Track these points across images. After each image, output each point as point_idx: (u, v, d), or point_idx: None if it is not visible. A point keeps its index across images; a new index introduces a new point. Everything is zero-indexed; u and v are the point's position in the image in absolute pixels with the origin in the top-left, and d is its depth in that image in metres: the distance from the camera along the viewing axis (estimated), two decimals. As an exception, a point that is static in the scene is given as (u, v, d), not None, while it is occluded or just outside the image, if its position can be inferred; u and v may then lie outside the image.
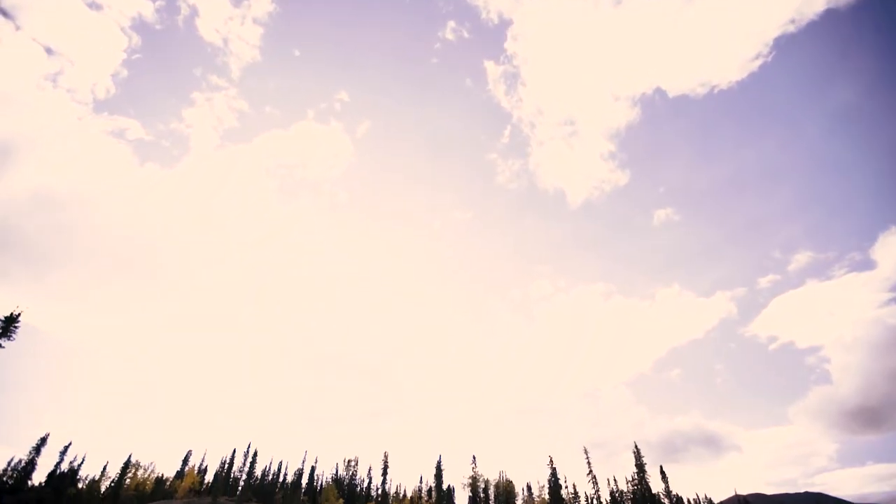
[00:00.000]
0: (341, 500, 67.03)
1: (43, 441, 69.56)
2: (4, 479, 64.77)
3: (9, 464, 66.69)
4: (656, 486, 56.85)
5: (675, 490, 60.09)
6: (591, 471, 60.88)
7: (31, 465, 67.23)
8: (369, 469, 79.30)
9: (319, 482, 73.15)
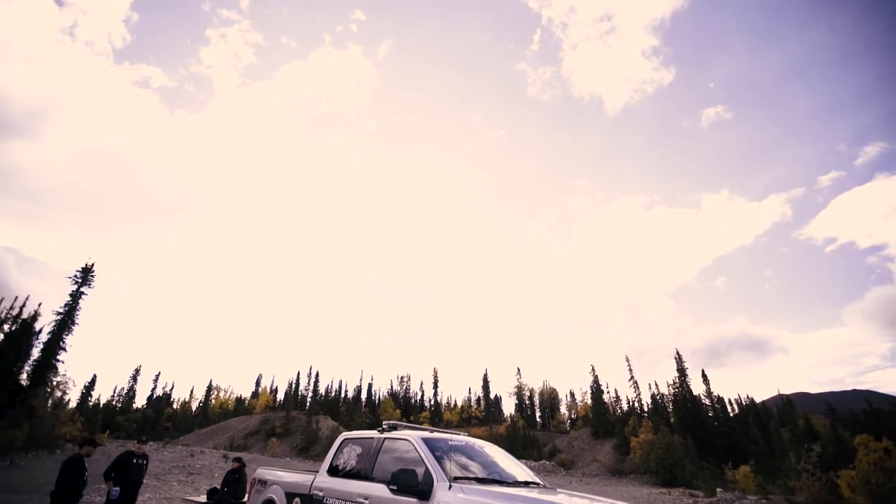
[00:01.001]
0: (398, 411, 73.70)
1: (137, 371, 79.91)
2: (114, 402, 75.73)
3: (114, 390, 77.92)
4: (697, 389, 58.67)
5: (716, 392, 61.88)
6: (632, 377, 63.19)
7: (132, 391, 77.95)
8: (421, 384, 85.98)
9: (377, 397, 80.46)
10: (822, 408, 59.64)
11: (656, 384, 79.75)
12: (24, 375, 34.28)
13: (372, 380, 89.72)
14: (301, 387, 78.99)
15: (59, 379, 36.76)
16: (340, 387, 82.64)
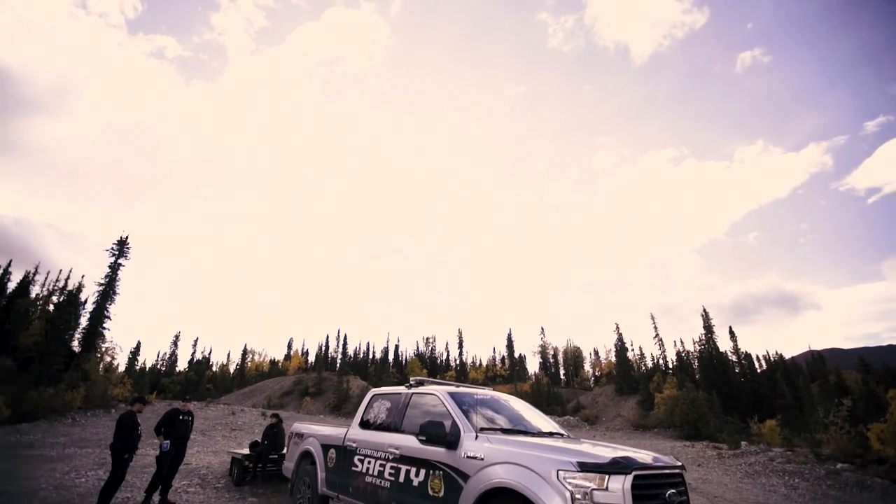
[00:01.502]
0: (424, 371, 75.99)
1: (177, 337, 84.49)
2: (158, 366, 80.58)
3: (158, 355, 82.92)
4: (724, 346, 58.21)
5: (744, 349, 61.27)
6: (657, 334, 63.02)
7: (173, 356, 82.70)
8: (446, 344, 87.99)
9: (403, 357, 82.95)
10: (854, 363, 58.38)
11: (682, 341, 79.38)
12: (76, 342, 36.71)
13: (398, 341, 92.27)
14: (330, 349, 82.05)
15: (106, 345, 39.21)
16: (368, 348, 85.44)
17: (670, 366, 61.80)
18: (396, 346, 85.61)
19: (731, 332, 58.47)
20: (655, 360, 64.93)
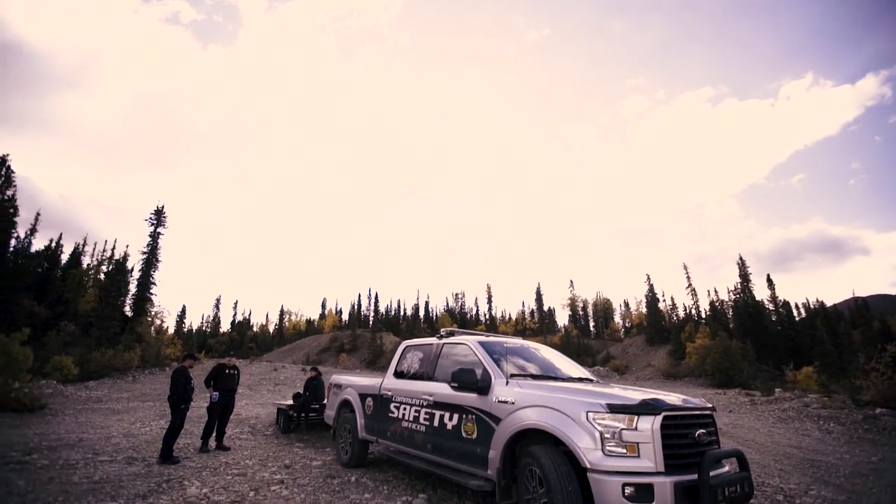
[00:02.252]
0: (454, 326, 77.72)
1: (218, 301, 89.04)
2: (204, 327, 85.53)
3: (202, 318, 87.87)
4: (761, 295, 56.76)
5: (782, 296, 59.51)
6: (689, 284, 61.86)
7: (216, 318, 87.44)
8: (475, 299, 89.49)
9: (434, 313, 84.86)
10: (901, 308, 56.01)
11: (716, 291, 77.71)
12: (127, 308, 39.25)
13: (428, 298, 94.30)
14: (363, 307, 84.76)
15: (155, 309, 41.76)
16: (399, 306, 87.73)
17: (703, 316, 60.98)
18: (426, 303, 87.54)
19: (769, 280, 56.76)
20: (688, 311, 64.13)
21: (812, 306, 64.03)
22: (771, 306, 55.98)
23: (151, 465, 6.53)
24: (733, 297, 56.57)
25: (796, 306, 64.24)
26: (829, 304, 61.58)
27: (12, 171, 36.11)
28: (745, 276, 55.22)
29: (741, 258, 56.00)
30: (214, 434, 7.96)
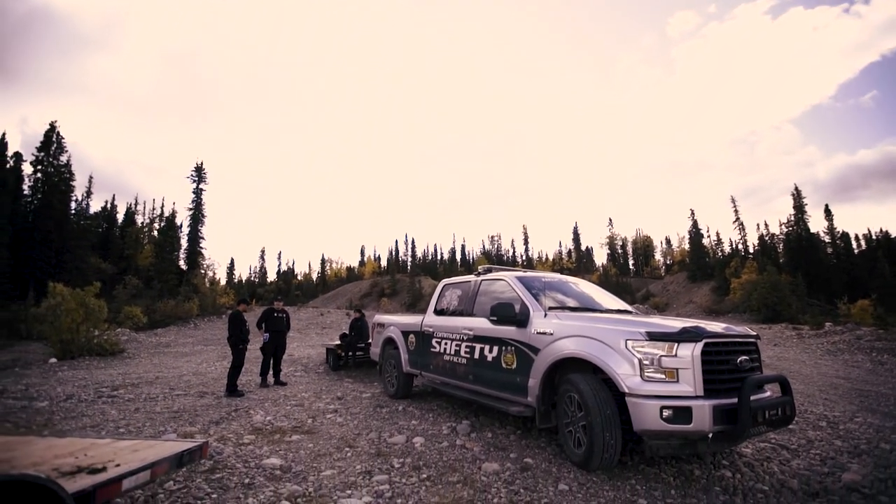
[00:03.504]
0: (491, 269, 78.44)
1: (263, 252, 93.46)
2: (252, 278, 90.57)
3: (250, 268, 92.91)
4: (817, 227, 53.43)
5: (840, 228, 55.89)
6: (737, 218, 58.94)
7: (263, 268, 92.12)
8: (511, 241, 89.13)
9: (470, 257, 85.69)
10: (978, 236, 51.51)
11: (766, 224, 73.82)
12: (182, 262, 41.85)
13: (464, 241, 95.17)
14: (400, 253, 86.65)
15: (206, 262, 44.36)
16: (436, 250, 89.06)
17: (751, 251, 58.47)
18: (462, 246, 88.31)
19: (827, 211, 53.18)
20: (734, 246, 61.62)
21: (875, 237, 59.87)
22: (827, 238, 52.83)
23: (220, 398, 7.23)
24: (786, 229, 53.62)
25: (856, 237, 60.32)
26: (894, 234, 57.20)
27: (62, 137, 37.85)
28: (799, 208, 51.91)
29: (797, 188, 52.39)
30: (271, 371, 8.65)
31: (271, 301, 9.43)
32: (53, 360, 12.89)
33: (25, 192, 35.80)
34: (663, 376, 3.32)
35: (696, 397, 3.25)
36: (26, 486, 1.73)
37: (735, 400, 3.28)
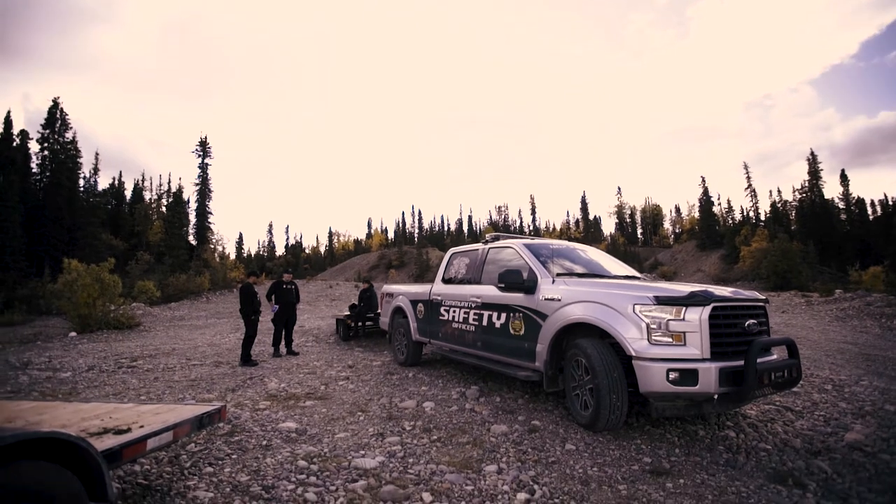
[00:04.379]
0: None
1: (270, 226, 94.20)
2: (261, 252, 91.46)
3: (258, 243, 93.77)
4: (832, 193, 52.43)
5: (856, 193, 54.67)
6: (749, 185, 57.87)
7: (271, 242, 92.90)
8: (519, 211, 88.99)
9: (477, 227, 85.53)
10: None
11: (779, 191, 72.42)
12: (191, 237, 42.26)
13: (471, 212, 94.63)
14: (407, 224, 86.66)
15: (216, 237, 44.77)
16: (442, 221, 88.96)
17: (762, 218, 57.65)
18: (469, 217, 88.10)
19: (843, 176, 51.97)
20: (745, 213, 60.78)
21: (891, 203, 58.60)
22: (842, 205, 51.83)
23: (235, 367, 7.45)
24: (799, 196, 52.62)
25: (871, 203, 59.09)
26: (911, 198, 55.81)
27: (66, 114, 37.69)
28: (814, 173, 50.75)
29: (812, 153, 51.06)
30: (283, 342, 8.85)
31: (280, 274, 9.53)
32: (73, 333, 13.27)
33: (34, 171, 35.99)
34: (670, 340, 3.36)
35: (703, 360, 3.28)
36: (57, 445, 1.82)
37: (742, 362, 3.32)
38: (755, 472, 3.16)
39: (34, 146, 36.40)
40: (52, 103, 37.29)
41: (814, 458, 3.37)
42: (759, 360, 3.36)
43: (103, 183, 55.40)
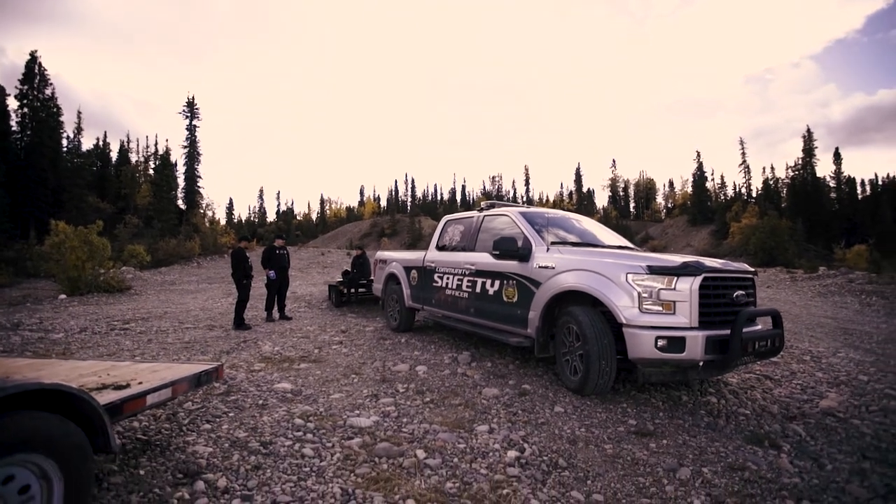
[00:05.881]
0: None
1: (261, 191, 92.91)
2: (251, 217, 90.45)
3: (249, 208, 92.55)
4: (824, 171, 52.53)
5: (849, 172, 54.97)
6: (744, 161, 57.94)
7: (262, 208, 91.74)
8: (513, 182, 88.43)
9: (470, 197, 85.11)
10: None
11: (772, 168, 72.58)
12: (180, 201, 41.56)
13: (465, 181, 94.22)
14: (400, 193, 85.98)
15: (205, 202, 44.08)
16: (436, 190, 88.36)
17: (754, 195, 58.01)
18: (463, 187, 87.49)
19: (836, 155, 52.16)
20: (738, 189, 61.13)
21: (882, 182, 59.17)
22: (833, 183, 52.23)
23: (228, 330, 7.50)
24: (792, 173, 52.85)
25: (861, 183, 59.64)
26: (901, 178, 56.41)
27: (44, 69, 36.11)
28: (809, 151, 50.83)
29: (808, 130, 50.99)
30: (276, 307, 8.89)
31: (272, 240, 9.47)
32: (63, 296, 13.20)
33: (14, 129, 34.74)
34: (661, 308, 3.43)
35: (691, 328, 3.37)
36: (58, 398, 1.84)
37: (728, 331, 3.42)
38: (734, 434, 3.31)
39: (13, 103, 35.03)
40: (29, 57, 35.67)
41: (789, 423, 3.53)
42: (744, 330, 3.46)
43: (87, 143, 53.79)
